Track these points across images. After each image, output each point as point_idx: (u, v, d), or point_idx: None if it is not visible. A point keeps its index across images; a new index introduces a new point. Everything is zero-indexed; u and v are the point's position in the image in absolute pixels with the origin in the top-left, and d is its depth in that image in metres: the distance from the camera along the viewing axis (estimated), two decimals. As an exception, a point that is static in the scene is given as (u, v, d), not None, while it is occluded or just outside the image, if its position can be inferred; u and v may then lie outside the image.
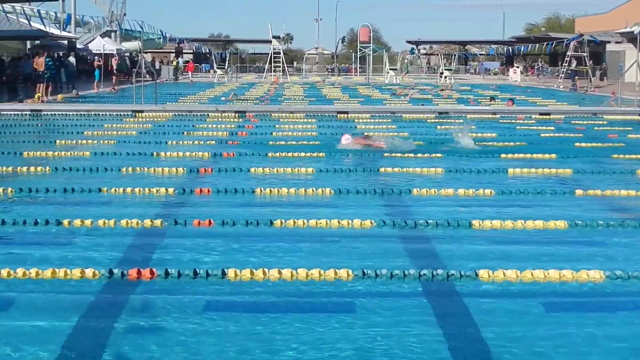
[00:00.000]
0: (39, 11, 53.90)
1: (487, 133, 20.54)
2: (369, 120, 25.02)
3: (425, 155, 16.14)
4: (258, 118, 25.46)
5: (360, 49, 69.03)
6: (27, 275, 7.26)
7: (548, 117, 26.73)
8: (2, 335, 5.96)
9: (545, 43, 70.51)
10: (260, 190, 11.78)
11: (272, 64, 62.00)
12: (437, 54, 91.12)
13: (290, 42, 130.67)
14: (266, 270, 7.40)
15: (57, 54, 51.72)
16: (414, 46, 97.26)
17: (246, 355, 5.70)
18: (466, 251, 8.71)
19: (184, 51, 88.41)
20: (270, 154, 16.06)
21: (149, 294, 7.01)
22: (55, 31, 57.84)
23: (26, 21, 52.30)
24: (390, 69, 61.28)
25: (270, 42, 63.81)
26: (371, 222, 9.69)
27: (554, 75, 68.84)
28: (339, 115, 26.40)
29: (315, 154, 16.05)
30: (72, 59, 46.45)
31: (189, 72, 66.61)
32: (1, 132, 20.60)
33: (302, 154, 16.01)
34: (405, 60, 74.87)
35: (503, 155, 16.24)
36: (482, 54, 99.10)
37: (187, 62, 72.56)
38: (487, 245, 8.93)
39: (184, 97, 37.73)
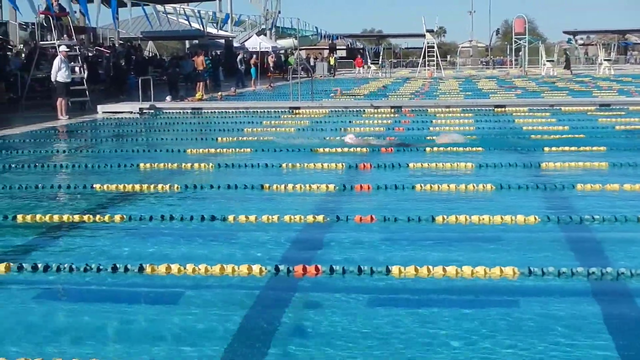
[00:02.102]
0: (199, 12, 55.26)
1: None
2: (526, 113, 24.54)
3: (587, 148, 15.70)
4: (414, 113, 25.37)
5: (515, 41, 67.82)
6: (196, 272, 7.42)
7: None
8: (173, 328, 6.12)
9: None
10: (420, 185, 11.71)
11: (426, 58, 61.67)
12: (596, 44, 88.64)
13: (444, 36, 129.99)
14: (430, 267, 7.34)
15: (214, 52, 53.03)
16: (571, 36, 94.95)
17: (410, 350, 5.66)
18: (636, 249, 8.41)
19: (337, 47, 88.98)
20: (428, 149, 15.96)
21: (314, 291, 7.06)
22: (213, 31, 59.21)
23: (185, 21, 53.75)
24: (546, 61, 59.98)
25: (423, 36, 63.46)
26: (535, 218, 9.48)
27: None
28: (496, 109, 26.01)
29: (473, 149, 15.84)
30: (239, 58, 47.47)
31: (357, 68, 67.11)
32: (165, 130, 21.24)
33: (461, 149, 15.83)
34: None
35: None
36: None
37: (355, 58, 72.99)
38: (659, 243, 8.61)
39: (334, 93, 37.94)
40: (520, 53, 66.84)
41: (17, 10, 30.18)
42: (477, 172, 13.34)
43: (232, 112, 26.87)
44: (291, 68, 34.36)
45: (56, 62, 25.95)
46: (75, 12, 34.60)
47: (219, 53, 58.71)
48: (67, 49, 27.52)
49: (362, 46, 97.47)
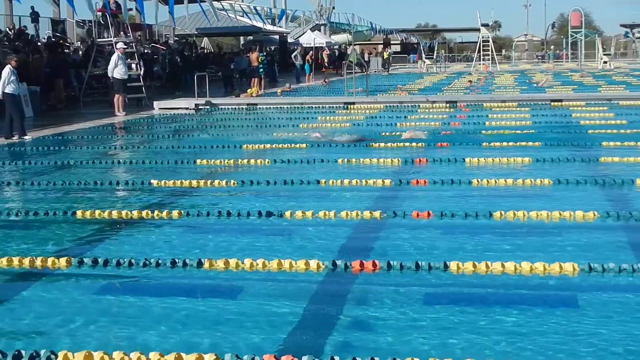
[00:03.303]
0: (254, 7, 55.47)
1: None
2: (583, 108, 24.24)
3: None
4: (469, 108, 25.21)
5: (571, 35, 67.02)
6: (254, 267, 7.46)
7: None
8: (230, 322, 6.16)
9: None
10: (477, 180, 11.64)
11: (481, 53, 61.25)
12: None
13: (499, 30, 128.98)
14: (489, 263, 7.29)
15: (269, 48, 53.19)
16: (628, 30, 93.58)
17: (467, 346, 5.62)
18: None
19: (391, 42, 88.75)
20: (484, 144, 15.86)
21: (371, 286, 7.06)
22: (268, 26, 59.37)
23: (240, 17, 53.97)
24: (603, 55, 59.21)
25: (478, 30, 63.10)
26: (594, 214, 9.37)
27: None
28: (552, 103, 25.73)
29: (530, 143, 15.70)
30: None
31: (419, 62, 67.10)
32: (221, 125, 21.36)
33: (517, 144, 15.71)
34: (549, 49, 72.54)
35: None
36: None
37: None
38: None
39: (393, 88, 37.85)
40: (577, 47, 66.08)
41: (74, 9, 30.54)
42: (534, 166, 13.22)
43: (287, 107, 26.94)
44: (352, 64, 34.29)
45: (113, 59, 26.25)
46: (131, 9, 34.89)
47: (273, 49, 58.89)
48: (124, 46, 27.81)
49: (416, 41, 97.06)
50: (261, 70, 36.44)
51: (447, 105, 25.96)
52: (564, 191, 11.15)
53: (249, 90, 33.64)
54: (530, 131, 18.00)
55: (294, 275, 7.34)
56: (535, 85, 38.12)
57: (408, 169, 13.36)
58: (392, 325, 6.04)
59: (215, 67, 45.44)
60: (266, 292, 6.90)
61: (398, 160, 13.97)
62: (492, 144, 15.84)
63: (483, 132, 18.20)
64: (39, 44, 37.12)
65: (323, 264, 7.42)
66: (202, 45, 59.95)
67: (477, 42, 63.32)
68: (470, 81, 41.30)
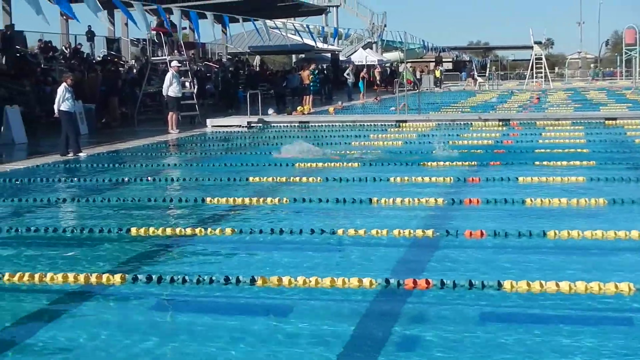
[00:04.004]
0: (307, 26, 55.73)
1: None
2: (638, 126, 23.93)
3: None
4: (522, 126, 25.04)
5: (625, 52, 66.32)
6: (307, 284, 7.47)
7: None
8: (284, 339, 6.17)
9: None
10: (531, 200, 11.55)
11: (534, 70, 60.88)
12: None
13: (552, 47, 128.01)
14: (543, 282, 7.23)
15: (321, 66, 53.37)
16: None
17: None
18: None
19: (443, 60, 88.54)
20: (537, 163, 15.74)
21: (424, 304, 7.04)
22: (320, 44, 59.60)
23: (293, 36, 54.26)
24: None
25: (531, 47, 62.73)
26: (650, 234, 9.25)
27: None
28: (606, 121, 25.46)
29: (585, 163, 15.55)
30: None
31: (472, 81, 66.87)
32: (272, 143, 21.45)
33: (571, 163, 15.57)
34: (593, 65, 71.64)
35: None
36: None
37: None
38: None
39: (445, 106, 37.76)
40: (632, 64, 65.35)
41: (136, 25, 30.91)
42: (588, 186, 13.08)
43: (339, 125, 26.98)
44: (408, 81, 34.31)
45: (168, 77, 26.51)
46: (185, 28, 35.25)
47: (325, 67, 59.09)
48: (179, 64, 28.09)
49: (468, 58, 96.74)
50: (312, 88, 36.58)
51: (500, 123, 25.81)
52: (618, 211, 11.03)
53: (299, 108, 33.76)
54: (584, 150, 17.81)
55: (346, 292, 7.33)
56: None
57: (461, 188, 13.30)
58: (445, 343, 6.01)
59: (267, 84, 45.73)
60: (319, 310, 6.91)
61: (450, 178, 13.91)
62: (545, 162, 15.71)
63: (536, 150, 18.05)
64: (94, 62, 37.65)
65: (376, 282, 7.41)
66: (255, 63, 60.35)
67: (529, 60, 62.94)
68: (538, 98, 41.05)
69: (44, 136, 24.30)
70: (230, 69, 45.59)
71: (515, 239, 9.29)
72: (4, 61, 32.22)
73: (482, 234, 9.42)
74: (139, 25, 30.95)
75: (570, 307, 6.89)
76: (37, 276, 7.88)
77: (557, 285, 7.18)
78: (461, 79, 76.04)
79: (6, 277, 7.91)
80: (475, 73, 71.00)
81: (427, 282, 7.34)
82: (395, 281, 7.39)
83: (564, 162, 15.63)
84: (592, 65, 75.88)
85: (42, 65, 34.23)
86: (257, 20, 42.06)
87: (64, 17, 40.30)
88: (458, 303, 6.99)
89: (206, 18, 36.08)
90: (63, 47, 40.52)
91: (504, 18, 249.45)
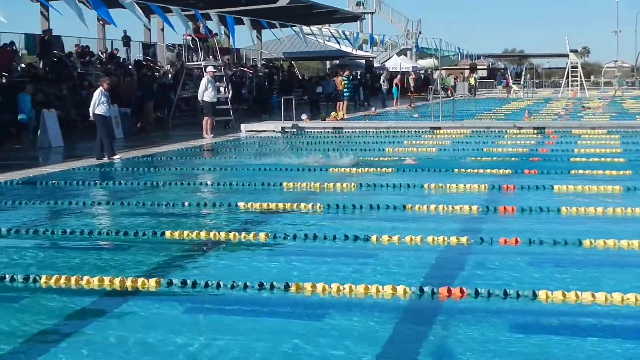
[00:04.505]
0: (343, 32, 55.72)
1: None
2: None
3: None
4: (558, 134, 24.88)
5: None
6: (341, 291, 7.46)
7: None
8: (318, 346, 6.16)
9: None
10: (566, 208, 11.47)
11: (569, 79, 60.48)
12: None
13: (587, 56, 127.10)
14: (579, 293, 7.17)
15: (355, 72, 53.37)
16: None
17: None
18: None
19: (478, 67, 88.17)
20: (572, 172, 15.63)
21: (458, 313, 6.99)
22: (354, 51, 59.60)
23: (327, 42, 54.28)
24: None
25: (567, 56, 62.32)
26: (688, 244, 9.15)
27: None
28: (643, 130, 25.24)
29: (621, 172, 15.42)
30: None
31: (508, 87, 66.50)
32: (306, 149, 21.47)
33: (607, 172, 15.45)
34: (617, 74, 70.78)
35: None
36: None
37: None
38: None
39: (480, 113, 37.62)
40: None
41: (173, 29, 31.09)
42: (625, 195, 12.98)
43: (372, 131, 26.96)
44: (445, 88, 34.26)
45: (203, 82, 26.63)
46: (217, 33, 35.34)
47: (358, 73, 59.07)
48: (214, 70, 28.21)
49: (503, 66, 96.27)
50: (346, 94, 36.56)
51: (535, 131, 25.67)
52: (656, 221, 10.92)
53: (332, 114, 33.77)
54: (620, 159, 17.66)
55: (380, 300, 7.31)
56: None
57: (495, 195, 13.24)
58: (479, 353, 5.97)
59: (301, 90, 45.79)
60: (353, 317, 6.89)
61: (485, 186, 13.85)
62: (581, 171, 15.60)
63: (572, 159, 17.93)
64: (130, 67, 37.91)
65: (410, 290, 7.39)
66: (292, 70, 60.43)
67: (565, 68, 62.54)
68: (589, 107, 40.82)
69: (80, 140, 24.50)
70: (260, 74, 45.68)
71: (551, 247, 9.23)
72: (41, 65, 32.52)
73: (516, 241, 9.37)
74: (177, 30, 31.14)
75: (606, 318, 6.82)
76: (73, 279, 7.93)
77: (593, 296, 7.11)
78: (498, 87, 75.60)
79: (43, 279, 7.98)
80: (510, 81, 70.54)
81: (462, 291, 7.31)
82: (429, 289, 7.37)
83: (600, 171, 15.50)
84: (617, 74, 75.13)
85: (79, 70, 34.50)
86: (295, 26, 42.16)
87: (101, 22, 40.59)
88: (492, 312, 6.95)
89: (243, 24, 36.19)
90: (99, 52, 40.82)
91: (540, 26, 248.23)
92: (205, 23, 33.13)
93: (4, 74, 29.15)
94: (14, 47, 33.47)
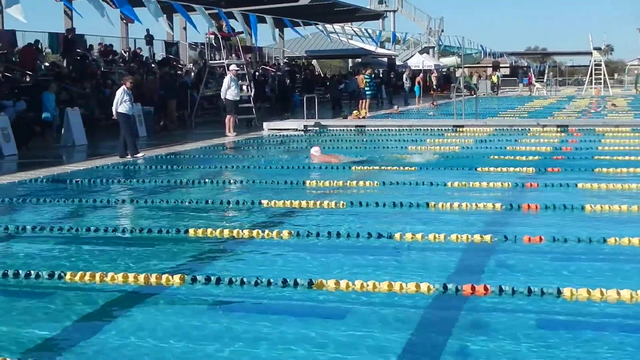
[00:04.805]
0: (366, 30, 55.73)
1: None
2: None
3: None
4: (581, 132, 24.76)
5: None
6: (364, 288, 7.45)
7: None
8: (340, 343, 6.16)
9: None
10: (590, 206, 11.41)
11: (593, 77, 60.20)
12: None
13: (611, 53, 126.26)
14: (604, 290, 7.13)
15: (377, 71, 53.34)
16: None
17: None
18: None
19: (500, 65, 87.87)
20: (597, 170, 15.54)
21: (482, 311, 6.98)
22: (376, 49, 59.58)
23: (350, 40, 54.32)
24: None
25: (590, 53, 62.05)
26: None
27: None
28: (668, 128, 25.05)
29: (645, 170, 15.36)
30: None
31: (530, 86, 66.22)
32: (329, 147, 21.47)
33: (632, 170, 15.36)
34: (636, 72, 70.02)
35: None
36: None
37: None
38: None
39: (503, 111, 37.51)
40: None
41: (195, 28, 31.26)
42: (650, 193, 12.91)
43: (395, 130, 26.93)
44: (470, 86, 34.16)
45: (226, 80, 26.68)
46: (241, 32, 35.45)
47: (381, 71, 59.04)
48: (237, 68, 28.27)
49: (526, 64, 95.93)
50: (369, 92, 36.52)
51: (558, 129, 25.56)
52: (681, 219, 10.85)
53: (354, 112, 33.78)
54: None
55: (404, 297, 7.30)
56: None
57: (519, 193, 13.19)
58: (503, 350, 5.96)
59: (323, 88, 45.81)
60: (376, 314, 6.89)
61: (508, 184, 13.80)
62: (605, 169, 15.52)
63: (596, 157, 17.84)
64: (153, 65, 38.06)
65: (434, 287, 7.37)
66: (311, 68, 60.48)
67: (588, 66, 62.27)
68: (615, 104, 40.64)
69: (104, 138, 24.62)
70: (279, 73, 45.72)
71: (575, 245, 9.19)
72: (65, 64, 32.70)
73: (540, 239, 9.33)
74: (200, 29, 31.27)
75: (632, 317, 6.79)
76: (97, 276, 7.97)
77: (619, 293, 7.08)
78: (520, 85, 75.31)
79: (67, 276, 8.02)
80: (533, 79, 70.28)
81: (486, 288, 7.29)
82: (453, 287, 7.35)
83: (624, 169, 15.41)
84: (636, 72, 74.61)
85: (102, 68, 34.68)
86: (318, 24, 42.21)
87: (124, 21, 40.81)
88: (516, 309, 6.92)
89: (265, 22, 36.26)
90: (122, 51, 41.01)
91: (563, 24, 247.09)
92: (229, 21, 33.19)
93: (28, 72, 29.35)
94: (39, 46, 33.67)
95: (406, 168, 16.31)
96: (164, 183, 15.32)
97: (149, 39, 43.36)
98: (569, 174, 15.19)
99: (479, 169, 15.95)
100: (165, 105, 30.09)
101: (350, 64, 69.02)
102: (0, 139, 20.68)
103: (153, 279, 7.89)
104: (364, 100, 36.69)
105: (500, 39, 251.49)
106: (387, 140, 23.43)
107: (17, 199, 13.49)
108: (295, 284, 7.58)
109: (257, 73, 41.71)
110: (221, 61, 31.59)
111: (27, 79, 28.30)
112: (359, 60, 60.82)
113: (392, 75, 56.60)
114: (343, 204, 12.15)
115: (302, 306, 7.23)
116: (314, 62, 62.66)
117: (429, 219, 11.03)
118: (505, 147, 20.31)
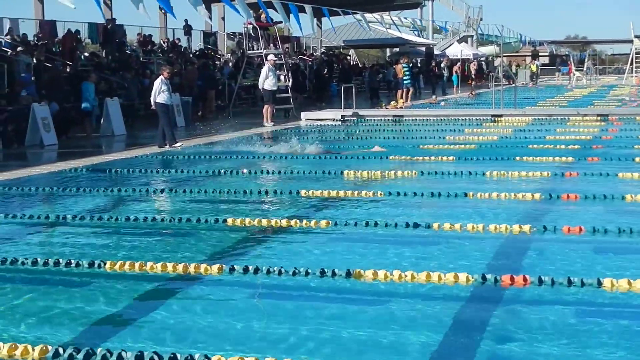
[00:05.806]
0: (404, 19, 55.53)
1: None
2: None
3: None
4: (622, 121, 24.51)
5: None
6: (402, 278, 7.43)
7: None
8: (378, 333, 6.15)
9: None
10: (631, 196, 11.29)
11: (634, 65, 59.54)
12: None
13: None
14: (644, 281, 7.07)
15: (415, 60, 53.12)
16: None
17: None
18: None
19: (540, 54, 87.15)
20: (637, 159, 15.37)
21: (521, 302, 6.94)
22: (414, 38, 59.36)
23: (388, 29, 54.16)
24: None
25: (631, 42, 61.36)
26: None
27: None
28: None
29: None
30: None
31: (570, 75, 65.64)
32: (367, 137, 21.45)
33: (673, 159, 15.20)
34: None
35: None
36: None
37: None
38: None
39: (542, 100, 37.23)
40: None
41: (239, 13, 31.33)
42: (692, 183, 12.75)
43: (433, 119, 26.82)
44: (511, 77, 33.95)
45: (264, 70, 26.71)
46: (280, 21, 35.47)
47: (419, 60, 58.82)
48: (275, 58, 28.29)
49: (566, 52, 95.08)
50: (407, 81, 36.37)
51: (598, 118, 25.33)
52: None
53: (392, 102, 33.67)
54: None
55: (442, 287, 7.28)
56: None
57: (558, 183, 13.09)
58: (544, 340, 5.92)
59: (361, 78, 45.73)
60: (415, 304, 6.88)
61: (548, 173, 13.70)
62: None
63: (636, 146, 17.65)
64: (192, 55, 38.21)
65: (472, 277, 7.34)
66: (349, 57, 60.40)
67: (629, 54, 61.58)
68: None
69: (143, 128, 24.77)
70: (317, 61, 45.69)
71: (615, 235, 9.10)
72: (104, 54, 32.92)
73: (580, 230, 9.25)
74: (242, 15, 31.28)
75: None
76: (137, 265, 8.03)
77: (660, 284, 7.01)
78: (559, 74, 74.57)
79: (107, 265, 8.08)
80: (573, 67, 69.65)
81: (525, 279, 7.24)
82: (492, 277, 7.30)
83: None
84: None
85: (141, 59, 34.87)
86: (357, 13, 42.12)
87: (163, 12, 40.97)
88: (556, 301, 6.88)
89: (305, 12, 36.25)
90: (161, 41, 41.20)
91: (603, 11, 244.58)
92: (268, 11, 33.22)
93: (68, 62, 29.58)
94: (79, 36, 33.89)
95: (445, 158, 16.23)
96: (202, 173, 15.39)
97: (187, 29, 43.51)
98: (609, 163, 15.05)
99: (517, 158, 15.85)
100: (203, 96, 30.20)
101: (387, 54, 68.79)
102: (41, 129, 20.87)
103: (192, 269, 7.91)
104: (402, 90, 36.55)
105: (539, 27, 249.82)
106: (425, 129, 23.30)
107: (57, 188, 13.62)
108: (334, 274, 7.57)
109: (294, 63, 41.71)
110: (259, 51, 31.63)
111: (68, 69, 28.50)
112: (397, 49, 60.58)
113: (433, 64, 56.31)
114: (381, 193, 12.12)
115: (341, 296, 7.22)
116: (351, 51, 62.50)
117: (467, 209, 10.97)
118: (545, 137, 20.16)
